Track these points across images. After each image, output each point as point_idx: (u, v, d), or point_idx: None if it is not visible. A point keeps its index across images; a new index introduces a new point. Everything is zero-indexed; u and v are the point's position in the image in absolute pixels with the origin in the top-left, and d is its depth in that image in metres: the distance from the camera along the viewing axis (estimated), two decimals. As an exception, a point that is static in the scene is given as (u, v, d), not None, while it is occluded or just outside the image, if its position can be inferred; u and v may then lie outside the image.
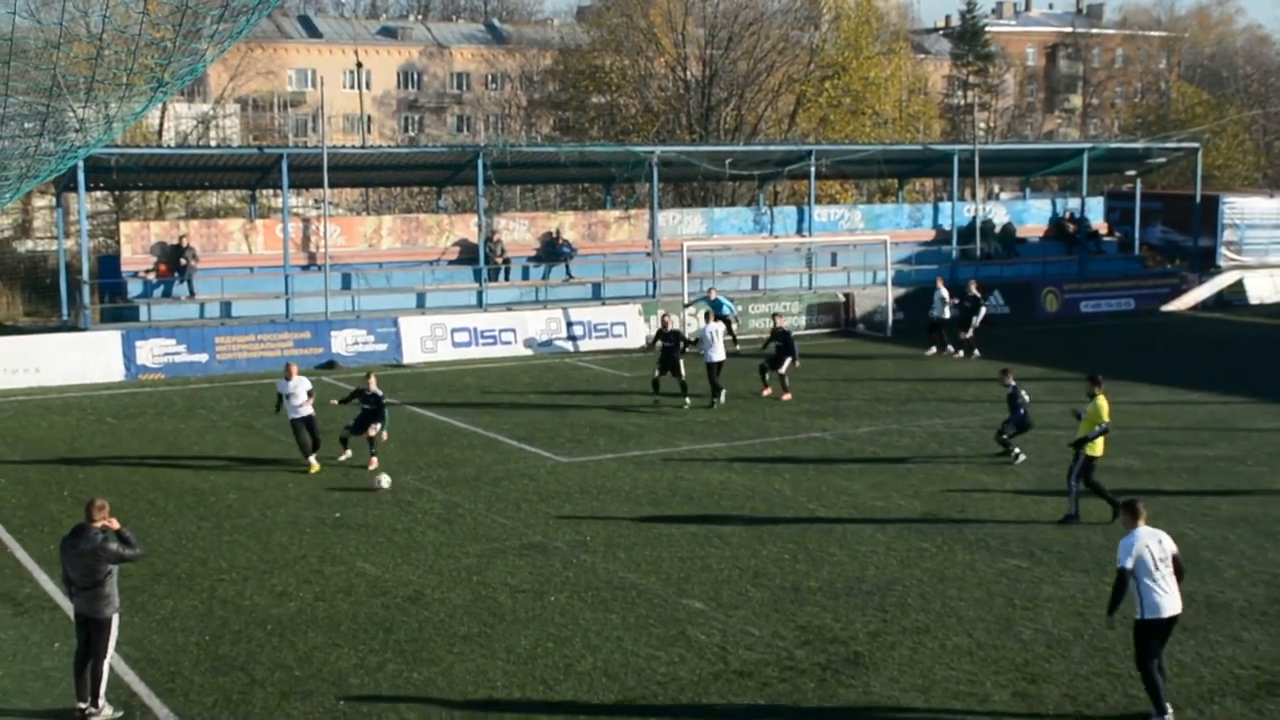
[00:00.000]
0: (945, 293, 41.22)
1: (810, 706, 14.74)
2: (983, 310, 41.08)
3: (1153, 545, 14.19)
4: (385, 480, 23.75)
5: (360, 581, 19.13)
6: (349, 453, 26.61)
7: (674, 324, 34.31)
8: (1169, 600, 14.12)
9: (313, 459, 26.07)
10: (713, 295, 40.68)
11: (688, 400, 32.43)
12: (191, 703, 14.91)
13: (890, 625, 17.23)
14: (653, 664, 15.95)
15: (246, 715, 14.61)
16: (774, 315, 37.04)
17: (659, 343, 33.41)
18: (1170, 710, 14.21)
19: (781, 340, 34.03)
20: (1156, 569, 14.09)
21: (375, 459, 25.98)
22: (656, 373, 33.00)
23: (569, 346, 41.94)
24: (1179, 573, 14.32)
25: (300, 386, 26.02)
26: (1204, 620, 17.37)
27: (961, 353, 39.90)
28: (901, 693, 15.12)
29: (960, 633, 16.94)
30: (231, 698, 15.03)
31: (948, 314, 40.84)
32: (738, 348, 40.14)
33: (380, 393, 26.34)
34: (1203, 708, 14.69)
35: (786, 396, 33.43)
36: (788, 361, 33.53)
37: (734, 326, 40.77)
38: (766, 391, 33.72)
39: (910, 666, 15.86)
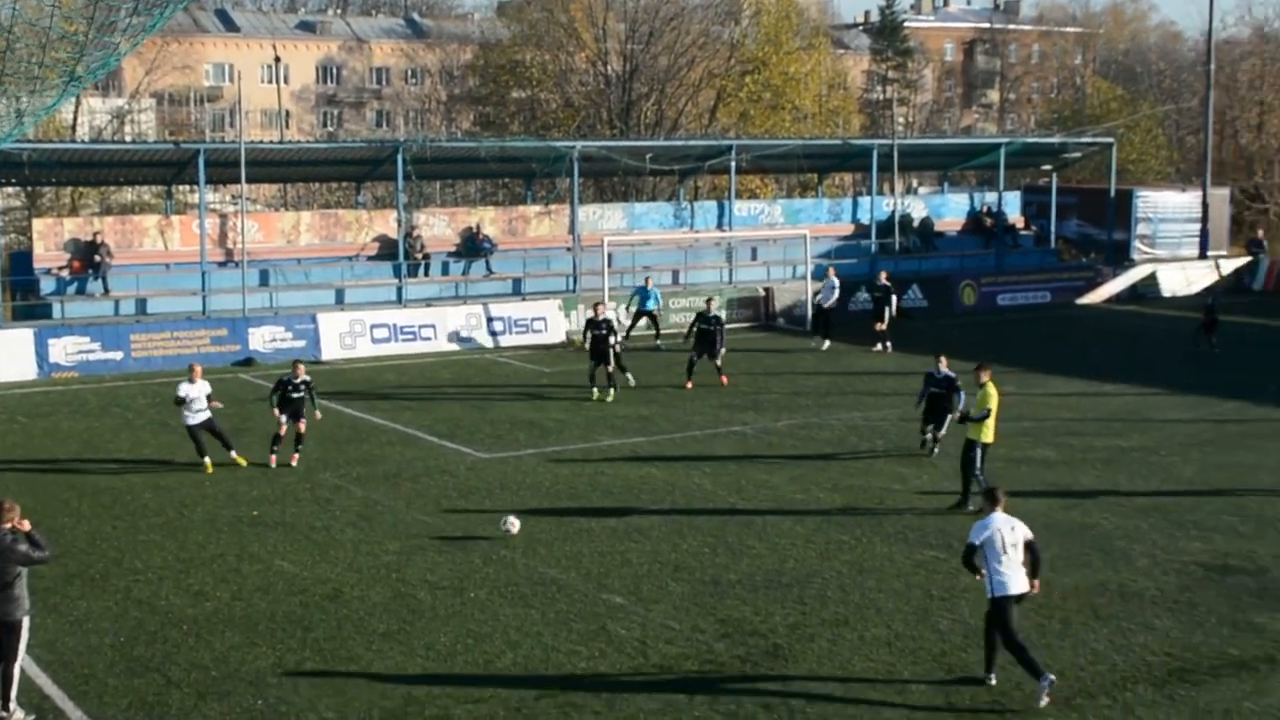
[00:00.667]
0: (836, 281, 41.66)
1: (730, 699, 14.79)
2: (894, 300, 41.33)
3: (1005, 530, 14.93)
4: (515, 524, 20.81)
5: (278, 580, 18.98)
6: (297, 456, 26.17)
7: (606, 313, 34.20)
8: (1014, 580, 14.84)
9: (234, 454, 25.84)
10: (649, 285, 40.85)
11: (612, 392, 32.47)
12: (106, 705, 14.73)
13: (809, 617, 17.32)
14: (573, 659, 15.95)
15: (162, 717, 14.46)
16: (707, 300, 37.15)
17: (589, 332, 33.17)
18: (1052, 677, 14.65)
19: (714, 325, 34.64)
20: (1005, 552, 14.84)
21: (298, 455, 25.84)
22: (591, 365, 32.84)
23: (489, 342, 41.80)
24: (1035, 559, 15.12)
25: (202, 390, 25.49)
26: (1117, 609, 17.61)
27: (880, 346, 40.07)
28: (820, 684, 15.20)
29: (879, 624, 17.07)
30: (147, 700, 14.87)
31: (833, 302, 41.07)
32: (659, 343, 40.24)
33: (309, 379, 26.19)
34: (1116, 694, 14.89)
35: (724, 380, 34.17)
36: (722, 351, 34.37)
37: (658, 321, 40.89)
38: (689, 385, 33.89)
39: (829, 658, 15.96)
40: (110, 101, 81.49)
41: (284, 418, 25.76)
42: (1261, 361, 38.46)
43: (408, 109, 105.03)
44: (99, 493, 23.95)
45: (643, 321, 41.16)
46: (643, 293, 40.90)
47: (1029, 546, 15.01)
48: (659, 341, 40.50)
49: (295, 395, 25.85)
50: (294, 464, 25.62)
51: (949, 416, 25.22)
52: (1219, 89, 69.80)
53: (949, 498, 23.00)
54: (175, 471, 25.54)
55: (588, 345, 33.30)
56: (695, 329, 35.17)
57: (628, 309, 41.52)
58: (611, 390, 32.52)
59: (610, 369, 32.68)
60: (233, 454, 25.85)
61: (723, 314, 36.60)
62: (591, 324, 33.31)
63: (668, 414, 30.95)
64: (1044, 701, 14.46)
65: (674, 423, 29.97)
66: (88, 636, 16.71)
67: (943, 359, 25.39)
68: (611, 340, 32.72)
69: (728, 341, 35.18)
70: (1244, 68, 79.88)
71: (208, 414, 25.52)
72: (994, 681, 15.05)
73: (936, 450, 26.00)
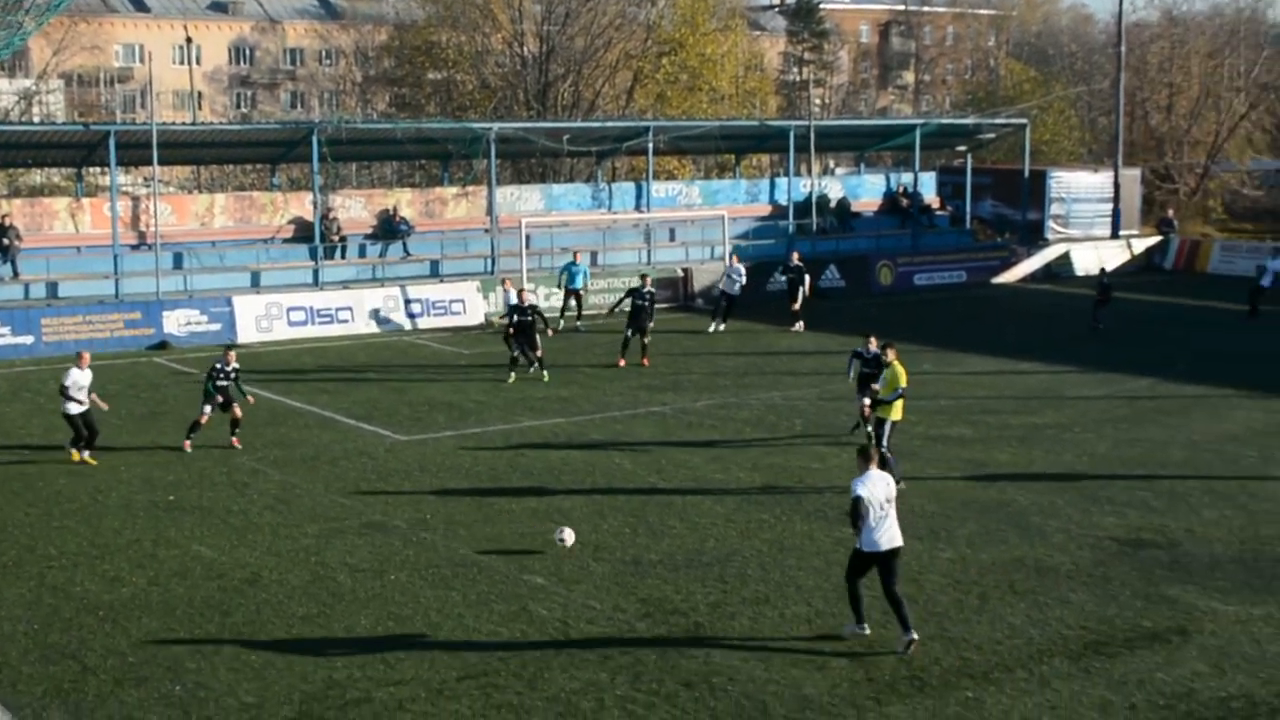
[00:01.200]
0: (742, 268, 41.16)
1: (652, 677, 14.83)
2: (807, 280, 41.33)
3: (880, 487, 15.59)
4: (569, 535, 19.25)
5: (196, 565, 18.80)
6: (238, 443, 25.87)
7: (530, 298, 34.23)
8: (886, 536, 15.52)
9: (86, 454, 24.86)
10: (578, 260, 40.81)
11: (546, 373, 32.50)
12: (20, 693, 14.53)
13: (730, 596, 17.40)
14: (494, 640, 15.92)
15: (79, 704, 14.28)
16: (642, 276, 37.28)
17: (515, 317, 32.65)
18: (868, 626, 15.84)
19: (646, 301, 35.23)
20: (881, 509, 15.48)
21: (238, 439, 25.67)
22: (514, 350, 32.53)
23: (407, 324, 41.56)
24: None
25: (88, 379, 24.94)
26: (1033, 583, 17.82)
27: (797, 325, 40.19)
28: (742, 662, 15.27)
29: (799, 602, 17.17)
30: (63, 687, 14.69)
31: (738, 289, 40.62)
32: (579, 324, 40.19)
33: (238, 365, 25.97)
34: (1033, 668, 15.08)
35: (646, 362, 34.43)
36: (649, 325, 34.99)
37: (581, 301, 40.74)
38: (622, 363, 34.39)
39: (750, 636, 16.04)
40: (17, 82, 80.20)
41: (208, 409, 25.45)
42: (1171, 339, 39.01)
43: (322, 90, 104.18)
44: (10, 479, 23.58)
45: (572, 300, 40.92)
46: (571, 269, 40.78)
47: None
48: (579, 323, 40.44)
49: (223, 383, 25.56)
50: (237, 446, 25.48)
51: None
52: (1129, 71, 70.65)
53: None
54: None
55: (512, 330, 32.69)
56: (632, 305, 35.21)
57: (558, 286, 41.54)
58: (545, 373, 32.52)
59: (539, 353, 32.64)
60: (86, 454, 24.84)
61: (654, 291, 36.86)
62: (516, 310, 32.79)
63: (587, 395, 30.94)
64: (845, 634, 15.87)
65: (594, 404, 29.96)
66: (1, 624, 16.46)
67: (871, 338, 24.94)
68: (540, 325, 32.91)
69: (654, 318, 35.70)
70: (1153, 50, 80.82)
71: (87, 406, 24.83)
72: (866, 630, 15.91)
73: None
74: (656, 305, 37.02)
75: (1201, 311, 44.39)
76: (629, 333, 34.70)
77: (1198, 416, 28.40)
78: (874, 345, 24.70)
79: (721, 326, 40.31)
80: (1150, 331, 40.37)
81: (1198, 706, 14.12)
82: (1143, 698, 14.31)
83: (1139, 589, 17.63)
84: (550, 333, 33.11)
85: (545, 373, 32.49)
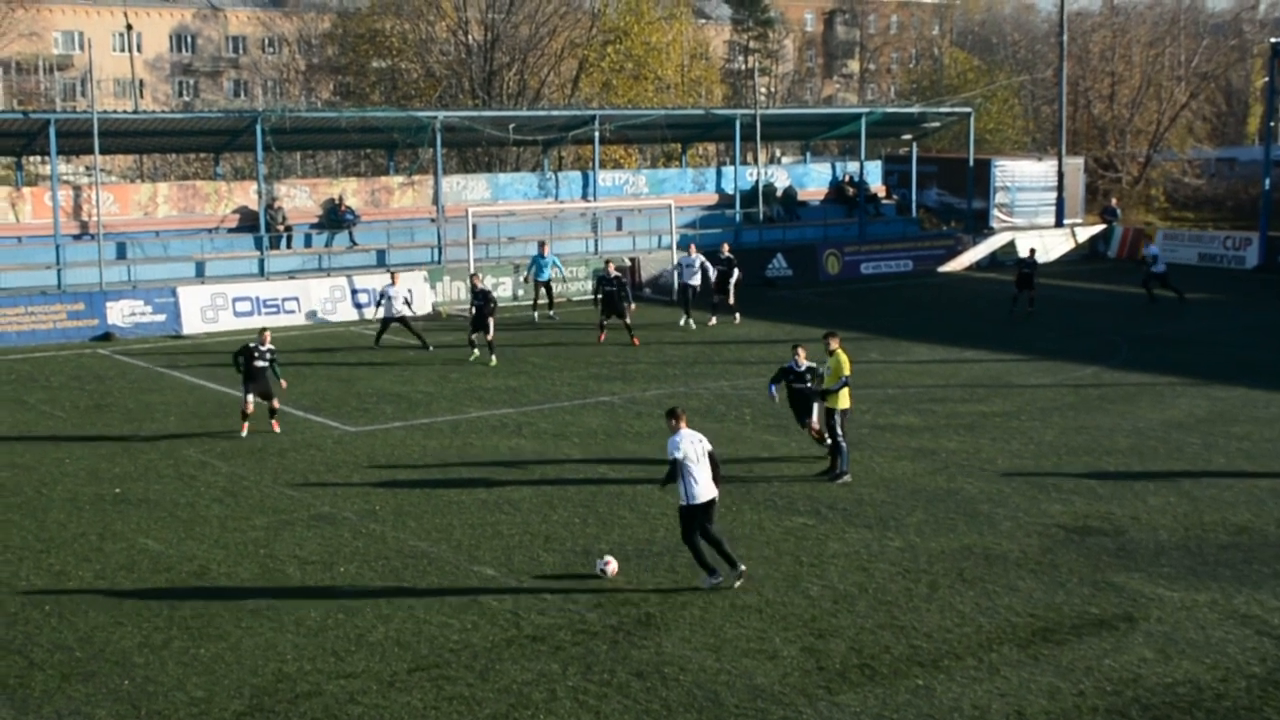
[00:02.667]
0: (697, 259, 39.85)
1: (604, 668, 14.83)
2: (736, 272, 40.65)
3: (692, 445, 17.00)
4: (612, 564, 17.92)
5: (143, 558, 18.66)
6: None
7: (483, 284, 34.90)
8: (702, 489, 16.92)
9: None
10: (545, 253, 40.68)
11: (494, 359, 33.18)
12: (-34, 689, 14.41)
13: (681, 585, 17.41)
14: (445, 631, 15.88)
15: (25, 699, 14.15)
16: (606, 262, 37.32)
17: (474, 304, 34.00)
18: (720, 574, 17.12)
19: (615, 286, 36.19)
20: (696, 463, 16.89)
21: (277, 423, 25.97)
22: (471, 332, 33.93)
23: (354, 314, 41.37)
24: (715, 467, 17.20)
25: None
26: (981, 571, 17.93)
27: (728, 317, 39.62)
28: (693, 651, 15.30)
29: (749, 591, 17.20)
30: (8, 682, 14.54)
31: (696, 280, 39.59)
32: (552, 314, 40.11)
33: (274, 346, 25.96)
34: (982, 655, 15.17)
35: (636, 341, 35.62)
36: (631, 308, 36.31)
37: (552, 291, 40.58)
38: (603, 337, 36.05)
39: (701, 625, 16.06)
40: (-45, 70, 79.22)
41: (251, 396, 25.33)
42: (1115, 327, 39.33)
43: (266, 79, 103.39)
44: (-47, 472, 23.35)
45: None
46: (539, 261, 40.62)
47: (710, 457, 17.11)
48: (552, 312, 40.35)
49: (260, 364, 25.41)
50: (277, 429, 25.78)
51: (815, 404, 23.36)
52: (1072, 60, 71.18)
53: (816, 464, 23.23)
54: (33, 449, 24.95)
55: (471, 314, 34.14)
56: (603, 293, 36.49)
57: (526, 279, 41.60)
58: (493, 357, 33.11)
59: (490, 337, 33.39)
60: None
61: (623, 274, 37.46)
62: (473, 294, 34.15)
63: (536, 385, 30.89)
64: (705, 586, 16.98)
65: (542, 394, 29.92)
66: (-55, 620, 16.31)
67: (800, 350, 23.39)
68: (492, 308, 33.82)
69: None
70: (1095, 39, 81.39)
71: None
72: (719, 578, 17.10)
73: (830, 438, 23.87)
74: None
75: (1145, 300, 44.71)
76: (602, 319, 36.32)
77: (1143, 404, 28.64)
78: (803, 358, 23.29)
79: (713, 318, 39.53)
80: (1094, 319, 40.67)
81: (1144, 692, 14.25)
82: (1090, 684, 14.43)
83: (1086, 576, 17.77)
84: (494, 307, 33.85)
85: (493, 358, 32.98)
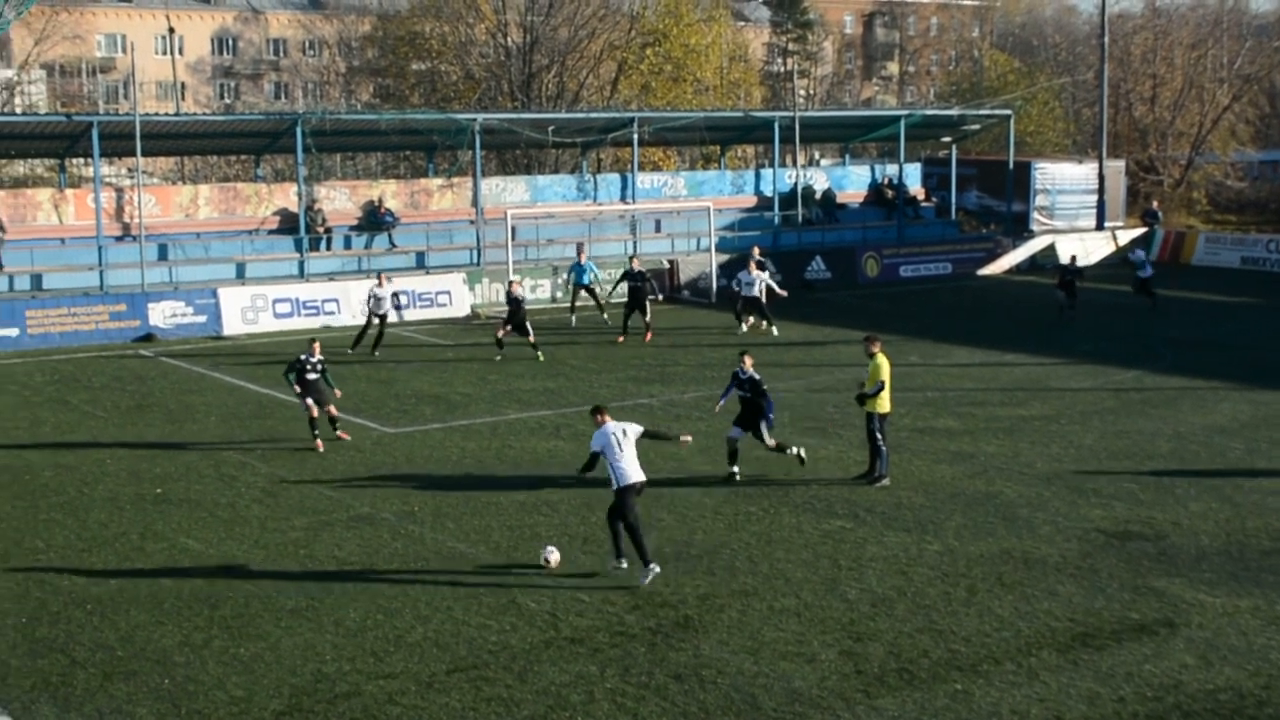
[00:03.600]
0: (756, 276, 38.50)
1: (642, 670, 14.84)
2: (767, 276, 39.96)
3: (618, 434, 17.86)
4: (555, 556, 18.33)
5: (183, 558, 18.77)
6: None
7: (519, 290, 35.23)
8: (629, 472, 17.73)
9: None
10: (583, 259, 40.62)
11: (540, 354, 33.99)
12: (9, 687, 14.50)
13: (719, 588, 17.41)
14: (484, 633, 15.92)
15: (67, 698, 14.26)
16: (631, 258, 37.39)
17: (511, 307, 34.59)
18: (625, 561, 17.80)
19: (641, 281, 36.74)
20: (621, 449, 17.74)
21: (342, 432, 25.65)
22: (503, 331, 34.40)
23: (393, 316, 41.42)
24: (657, 436, 19.32)
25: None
26: (1021, 576, 17.86)
27: (756, 324, 39.47)
28: (731, 654, 15.29)
29: (788, 594, 17.18)
30: (51, 680, 14.66)
31: (755, 292, 38.45)
32: (605, 317, 39.84)
33: (323, 357, 25.54)
34: (1021, 660, 15.11)
35: (649, 337, 36.35)
36: (653, 299, 36.84)
37: (597, 294, 40.47)
38: (622, 339, 36.27)
39: (739, 628, 16.05)
40: (-1, 73, 79.83)
41: (310, 401, 25.01)
42: (1157, 331, 39.07)
43: (306, 81, 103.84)
44: (-4, 472, 23.53)
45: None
46: (577, 268, 40.50)
47: (647, 434, 18.44)
48: (604, 316, 40.13)
49: (312, 375, 25.14)
50: (346, 438, 25.50)
51: (770, 419, 22.88)
52: (1113, 62, 70.81)
53: (855, 467, 23.19)
54: (75, 449, 25.14)
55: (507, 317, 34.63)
56: (629, 287, 37.13)
57: (566, 282, 41.76)
58: (539, 353, 34.08)
59: (531, 338, 34.04)
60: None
61: (647, 270, 37.79)
62: (510, 299, 34.83)
63: (574, 387, 30.91)
64: (645, 581, 17.41)
65: (581, 396, 29.92)
66: (-12, 618, 16.43)
67: (747, 358, 22.92)
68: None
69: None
70: (1137, 41, 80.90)
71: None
72: (624, 564, 17.82)
73: (794, 450, 23.34)
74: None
75: (1187, 303, 44.47)
76: (626, 312, 36.87)
77: (1184, 408, 28.46)
78: (749, 366, 22.75)
79: (744, 328, 38.84)
80: (1136, 323, 40.44)
81: (1185, 699, 14.17)
82: (1131, 690, 14.36)
83: (1126, 581, 17.67)
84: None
85: (540, 354, 34.05)
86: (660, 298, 37.57)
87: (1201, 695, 14.25)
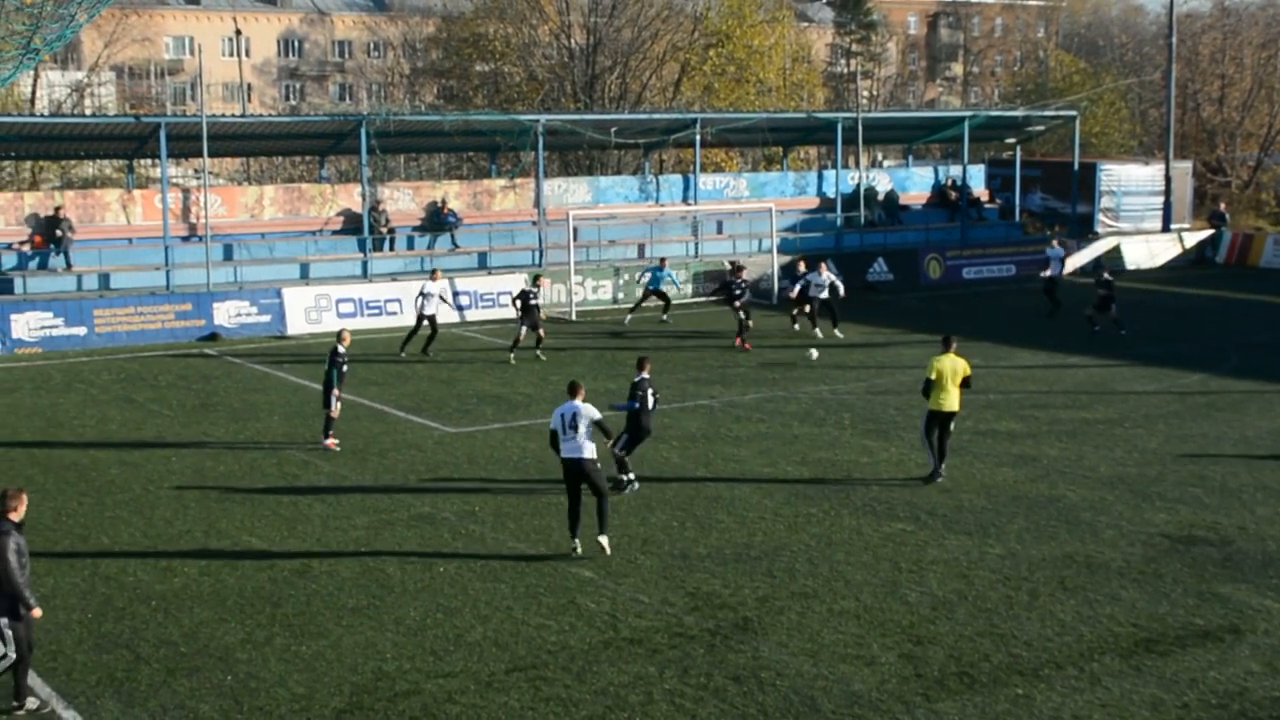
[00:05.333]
0: (825, 279, 38.39)
1: (700, 671, 14.83)
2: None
3: (567, 414, 18.72)
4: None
5: (246, 555, 18.92)
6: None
7: (544, 286, 36.32)
8: (585, 448, 18.66)
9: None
10: (664, 266, 41.48)
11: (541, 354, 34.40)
12: (74, 682, 14.67)
13: (778, 590, 17.37)
14: (543, 633, 15.96)
15: (131, 693, 14.41)
16: (731, 262, 37.66)
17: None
18: (577, 542, 18.76)
19: (739, 288, 37.15)
20: (573, 428, 18.66)
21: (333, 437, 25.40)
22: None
23: (455, 316, 41.64)
24: (604, 432, 19.11)
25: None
26: (1084, 580, 17.71)
27: (799, 326, 39.02)
28: (790, 656, 15.25)
29: (847, 596, 17.12)
30: (116, 675, 14.81)
31: (824, 294, 38.26)
32: (665, 318, 40.33)
33: (343, 350, 25.16)
34: (1083, 665, 14.99)
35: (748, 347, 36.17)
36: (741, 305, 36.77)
37: (669, 299, 40.93)
38: (742, 343, 36.31)
39: (799, 631, 16.01)
40: (69, 74, 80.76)
41: (337, 402, 24.89)
42: (1224, 334, 38.66)
43: (370, 82, 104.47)
44: (64, 469, 23.80)
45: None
46: (657, 273, 41.25)
47: (598, 425, 18.76)
48: (665, 317, 40.58)
49: (346, 368, 25.01)
50: (335, 448, 25.19)
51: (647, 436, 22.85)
52: (1181, 62, 70.10)
53: (917, 470, 23.09)
54: (141, 447, 25.40)
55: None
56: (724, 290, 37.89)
57: (639, 281, 42.61)
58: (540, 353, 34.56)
59: (540, 332, 34.68)
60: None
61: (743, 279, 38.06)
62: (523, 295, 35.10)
63: (635, 388, 30.86)
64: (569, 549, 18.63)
65: (641, 396, 29.89)
66: (55, 613, 16.58)
67: (646, 364, 23.04)
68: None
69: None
70: (1205, 41, 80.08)
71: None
72: (604, 542, 18.74)
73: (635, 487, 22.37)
74: (703, 298, 37.21)
75: (1254, 306, 43.97)
76: (741, 316, 36.78)
77: (1251, 412, 28.14)
78: (647, 371, 22.82)
79: (817, 331, 38.21)
80: (1202, 326, 40.02)
81: (1251, 706, 14.01)
82: (1195, 697, 14.21)
83: (1191, 586, 17.50)
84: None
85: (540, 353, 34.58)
86: (739, 305, 36.90)
87: (1268, 703, 14.09)
